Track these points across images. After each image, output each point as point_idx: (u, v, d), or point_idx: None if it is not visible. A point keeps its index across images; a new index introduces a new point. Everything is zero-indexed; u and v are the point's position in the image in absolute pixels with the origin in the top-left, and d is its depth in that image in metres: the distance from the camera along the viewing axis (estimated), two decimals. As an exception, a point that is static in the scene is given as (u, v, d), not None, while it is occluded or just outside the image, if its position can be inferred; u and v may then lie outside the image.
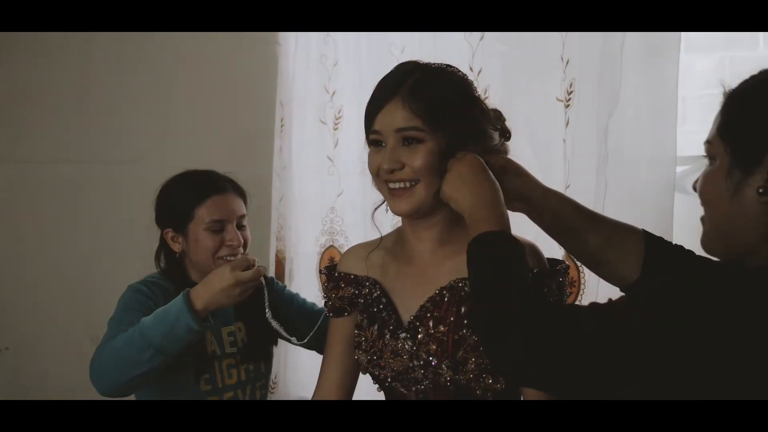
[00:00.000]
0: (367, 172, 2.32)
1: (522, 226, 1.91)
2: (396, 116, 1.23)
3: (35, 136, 3.22)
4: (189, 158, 2.91)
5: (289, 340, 1.59)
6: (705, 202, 0.97)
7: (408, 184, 1.24)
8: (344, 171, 2.38)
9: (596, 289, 1.80)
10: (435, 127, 1.22)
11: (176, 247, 1.68)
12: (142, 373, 1.44)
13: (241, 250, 1.65)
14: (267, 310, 1.56)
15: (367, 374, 1.37)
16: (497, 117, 1.33)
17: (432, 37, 2.13)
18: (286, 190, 2.48)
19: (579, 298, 1.88)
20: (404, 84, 1.24)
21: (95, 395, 3.17)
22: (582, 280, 1.85)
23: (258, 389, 1.71)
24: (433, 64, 1.30)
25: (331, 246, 2.42)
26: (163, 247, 1.71)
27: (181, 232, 1.66)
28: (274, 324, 1.56)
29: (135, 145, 3.06)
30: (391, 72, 1.28)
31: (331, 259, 2.40)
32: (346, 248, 2.36)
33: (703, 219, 0.99)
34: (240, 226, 1.67)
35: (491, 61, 2.02)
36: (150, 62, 2.99)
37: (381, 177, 1.27)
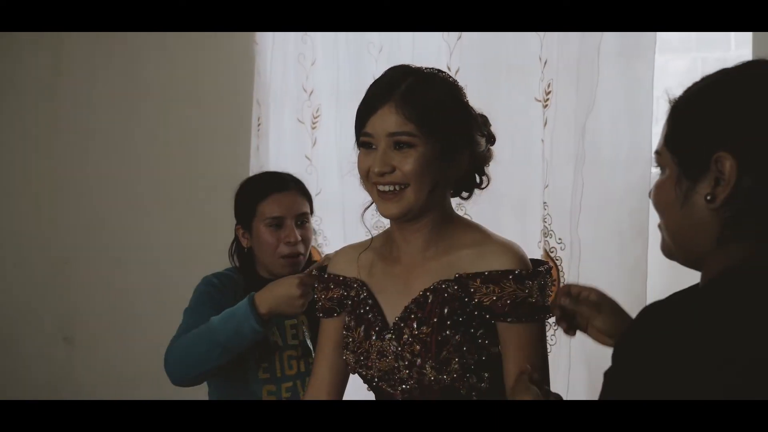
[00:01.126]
0: (346, 171, 2.30)
1: (501, 220, 1.92)
2: (389, 120, 1.23)
3: (6, 135, 3.17)
4: (165, 157, 2.90)
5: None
6: (659, 211, 0.98)
7: (397, 188, 1.24)
8: (322, 170, 2.37)
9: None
10: (427, 133, 1.23)
11: (245, 243, 1.75)
12: (211, 368, 1.56)
13: (301, 247, 1.71)
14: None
15: (356, 374, 1.38)
16: (483, 122, 1.34)
17: (410, 37, 2.13)
18: (263, 190, 2.46)
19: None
20: (398, 89, 1.24)
21: (68, 395, 3.14)
22: (561, 280, 1.86)
23: None
24: (425, 68, 1.30)
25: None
26: (236, 242, 1.78)
27: (248, 228, 1.73)
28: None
29: (110, 145, 3.02)
30: (384, 75, 1.29)
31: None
32: (324, 248, 2.35)
33: (660, 226, 0.99)
34: (301, 225, 1.72)
35: (469, 61, 2.02)
36: (126, 61, 2.96)
37: (370, 179, 1.27)
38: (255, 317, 1.51)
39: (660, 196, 0.96)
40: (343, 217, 2.28)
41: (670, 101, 0.97)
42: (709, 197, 0.89)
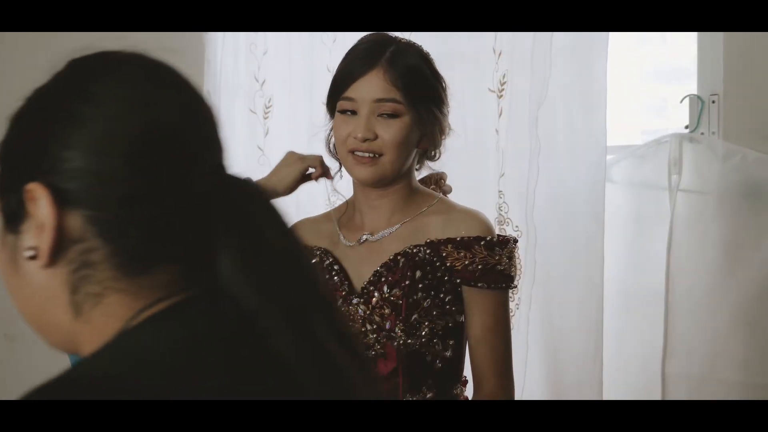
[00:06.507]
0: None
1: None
2: (376, 86, 1.25)
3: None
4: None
5: None
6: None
7: (375, 155, 1.26)
8: (275, 161, 2.32)
9: (533, 274, 1.83)
10: (412, 101, 1.26)
11: None
12: None
13: None
14: None
15: None
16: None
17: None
18: (213, 180, 2.42)
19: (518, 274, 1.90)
20: (383, 55, 1.26)
21: (9, 394, 3.03)
22: (519, 267, 1.87)
23: None
24: (400, 39, 1.33)
25: (261, 236, 2.39)
26: None
27: None
28: None
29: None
30: (365, 43, 1.30)
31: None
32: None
33: None
34: None
35: (424, 51, 2.01)
36: (68, 48, 2.86)
37: (348, 146, 1.28)
38: None
39: None
40: (297, 207, 2.24)
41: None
42: (30, 253, 0.60)
